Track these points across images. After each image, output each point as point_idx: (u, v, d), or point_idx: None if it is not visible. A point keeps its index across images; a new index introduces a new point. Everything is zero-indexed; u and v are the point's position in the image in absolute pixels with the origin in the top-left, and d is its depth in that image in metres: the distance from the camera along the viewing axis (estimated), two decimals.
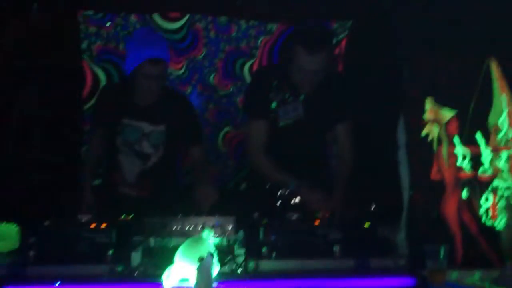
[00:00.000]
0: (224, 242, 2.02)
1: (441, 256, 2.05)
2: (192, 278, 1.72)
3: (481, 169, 2.21)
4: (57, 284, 1.79)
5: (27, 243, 2.04)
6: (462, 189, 2.26)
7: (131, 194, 2.86)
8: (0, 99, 2.89)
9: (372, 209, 2.37)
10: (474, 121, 2.29)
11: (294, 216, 2.22)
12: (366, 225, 2.23)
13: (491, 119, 2.29)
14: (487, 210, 2.21)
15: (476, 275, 2.13)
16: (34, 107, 3.13)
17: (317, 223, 2.19)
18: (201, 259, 1.72)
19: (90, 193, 2.81)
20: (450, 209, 2.26)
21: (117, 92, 2.92)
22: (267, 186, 2.67)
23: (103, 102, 2.95)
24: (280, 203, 2.44)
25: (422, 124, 2.28)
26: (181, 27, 3.46)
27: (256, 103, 2.86)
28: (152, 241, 1.99)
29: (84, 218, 2.14)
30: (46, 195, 2.79)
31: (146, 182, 2.85)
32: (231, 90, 3.55)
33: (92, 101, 3.35)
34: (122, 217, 2.21)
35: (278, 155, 2.81)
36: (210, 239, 1.90)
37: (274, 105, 2.82)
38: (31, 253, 2.01)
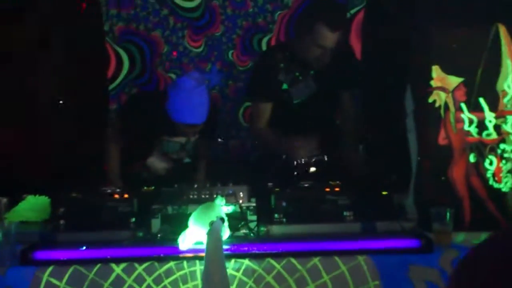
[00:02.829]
0: (237, 209, 2.13)
1: (447, 219, 2.10)
2: (204, 241, 1.85)
3: (485, 133, 2.26)
4: (83, 248, 1.95)
5: (57, 213, 2.22)
6: (470, 154, 2.31)
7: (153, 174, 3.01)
8: (30, 81, 3.05)
9: (382, 175, 2.45)
10: (481, 87, 2.32)
11: (305, 184, 2.32)
12: (383, 193, 2.30)
13: (499, 84, 2.32)
14: (493, 174, 2.26)
15: (482, 237, 2.18)
16: (62, 88, 3.28)
17: (327, 190, 2.28)
18: (211, 224, 1.84)
19: (115, 169, 2.96)
20: (458, 174, 2.32)
21: (158, 112, 2.76)
22: (284, 157, 2.76)
23: (139, 113, 2.83)
24: (295, 174, 2.53)
25: (429, 91, 2.33)
26: (198, 5, 3.53)
27: (265, 87, 2.84)
28: (170, 209, 2.13)
29: (108, 189, 2.30)
30: (75, 172, 2.96)
31: (169, 170, 2.99)
32: (249, 65, 3.59)
33: (116, 82, 3.48)
34: (144, 188, 2.38)
35: (295, 130, 2.88)
36: (221, 205, 2.01)
37: (285, 86, 2.82)
38: (61, 221, 2.19)
